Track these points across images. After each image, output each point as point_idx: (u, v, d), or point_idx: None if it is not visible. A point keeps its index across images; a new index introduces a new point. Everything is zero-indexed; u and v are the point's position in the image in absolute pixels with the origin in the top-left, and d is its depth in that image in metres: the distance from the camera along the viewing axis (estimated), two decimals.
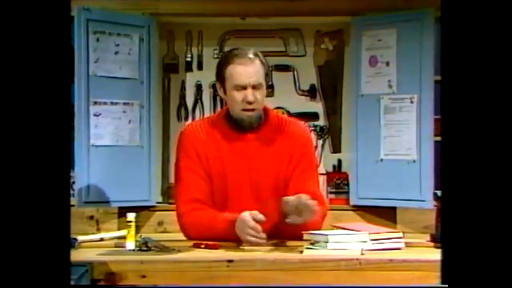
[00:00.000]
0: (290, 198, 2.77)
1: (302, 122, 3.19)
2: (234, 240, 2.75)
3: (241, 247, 2.72)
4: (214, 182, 2.96)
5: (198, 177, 2.96)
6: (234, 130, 2.98)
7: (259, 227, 2.70)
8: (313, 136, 4.41)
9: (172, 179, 4.39)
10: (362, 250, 2.56)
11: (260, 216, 2.71)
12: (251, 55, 2.95)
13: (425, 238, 2.90)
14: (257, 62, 2.94)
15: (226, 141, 2.97)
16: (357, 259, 2.44)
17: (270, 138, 2.98)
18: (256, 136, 2.97)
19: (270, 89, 4.47)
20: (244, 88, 2.90)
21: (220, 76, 2.97)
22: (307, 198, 2.73)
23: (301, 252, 2.58)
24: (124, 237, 2.76)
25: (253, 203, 2.91)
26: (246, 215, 2.73)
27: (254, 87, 2.90)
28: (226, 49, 4.09)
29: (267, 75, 2.98)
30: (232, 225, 2.76)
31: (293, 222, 2.73)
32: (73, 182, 3.91)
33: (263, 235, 2.70)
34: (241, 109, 2.93)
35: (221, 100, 2.99)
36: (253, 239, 2.70)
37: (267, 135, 2.98)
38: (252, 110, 2.92)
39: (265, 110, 3.03)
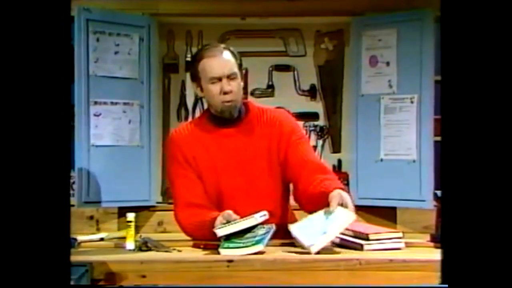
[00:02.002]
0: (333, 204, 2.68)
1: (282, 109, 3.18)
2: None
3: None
4: (206, 181, 2.95)
5: (189, 181, 2.95)
6: (217, 126, 2.97)
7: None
8: (313, 136, 4.43)
9: None
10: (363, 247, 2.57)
11: (234, 216, 2.69)
12: (220, 48, 2.97)
13: (425, 238, 2.90)
14: (227, 53, 2.95)
15: (212, 139, 2.96)
16: (357, 259, 2.44)
17: (254, 127, 2.97)
18: (240, 129, 2.97)
19: (270, 89, 4.48)
20: (219, 79, 2.90)
21: (194, 75, 2.97)
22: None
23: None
24: (124, 237, 2.76)
25: (248, 195, 2.92)
26: (218, 217, 2.73)
27: (229, 77, 2.90)
28: None
29: (241, 67, 2.97)
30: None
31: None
32: (73, 182, 3.91)
33: None
34: (220, 101, 2.92)
35: None
36: None
37: (251, 125, 2.98)
38: (230, 101, 2.92)
39: (245, 103, 3.04)
